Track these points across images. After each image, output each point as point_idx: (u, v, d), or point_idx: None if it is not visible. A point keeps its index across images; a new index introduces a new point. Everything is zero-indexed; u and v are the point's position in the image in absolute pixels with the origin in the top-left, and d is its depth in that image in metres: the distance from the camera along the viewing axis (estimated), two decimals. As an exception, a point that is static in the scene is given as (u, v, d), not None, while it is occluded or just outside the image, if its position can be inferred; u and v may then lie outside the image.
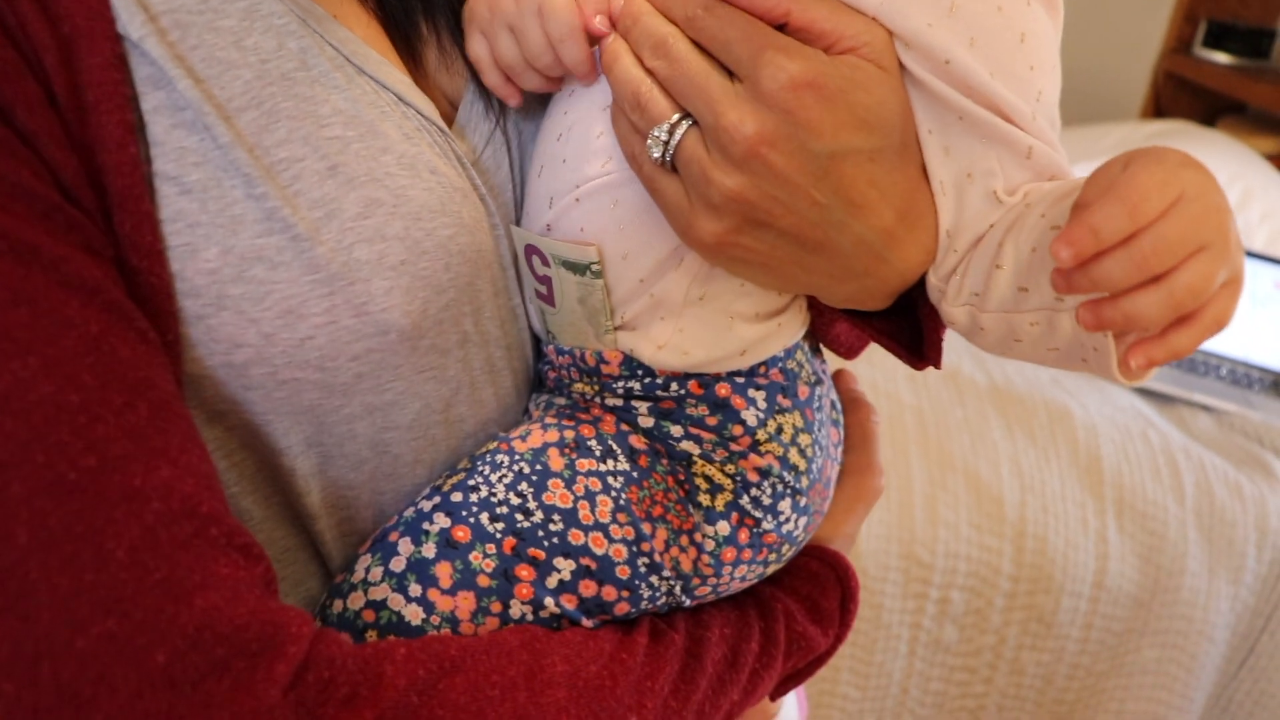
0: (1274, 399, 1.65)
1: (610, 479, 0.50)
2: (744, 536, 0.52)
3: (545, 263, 0.51)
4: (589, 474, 0.50)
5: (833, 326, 0.58)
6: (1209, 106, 2.39)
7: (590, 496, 0.49)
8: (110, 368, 0.38)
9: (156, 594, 0.35)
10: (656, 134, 0.45)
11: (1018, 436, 1.46)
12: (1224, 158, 1.92)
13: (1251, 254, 1.71)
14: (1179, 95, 2.38)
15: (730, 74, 0.44)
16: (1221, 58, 2.29)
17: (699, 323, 0.51)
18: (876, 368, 1.53)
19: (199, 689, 0.35)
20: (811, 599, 0.56)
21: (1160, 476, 1.44)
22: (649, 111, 0.46)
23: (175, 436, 0.39)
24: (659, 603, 0.51)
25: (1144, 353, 0.40)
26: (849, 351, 0.62)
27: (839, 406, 0.60)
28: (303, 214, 0.43)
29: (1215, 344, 1.66)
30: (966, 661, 1.36)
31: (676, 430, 0.52)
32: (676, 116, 0.45)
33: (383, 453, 0.49)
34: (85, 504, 0.36)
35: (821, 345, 0.60)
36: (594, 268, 0.50)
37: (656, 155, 0.46)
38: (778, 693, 0.57)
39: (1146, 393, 1.64)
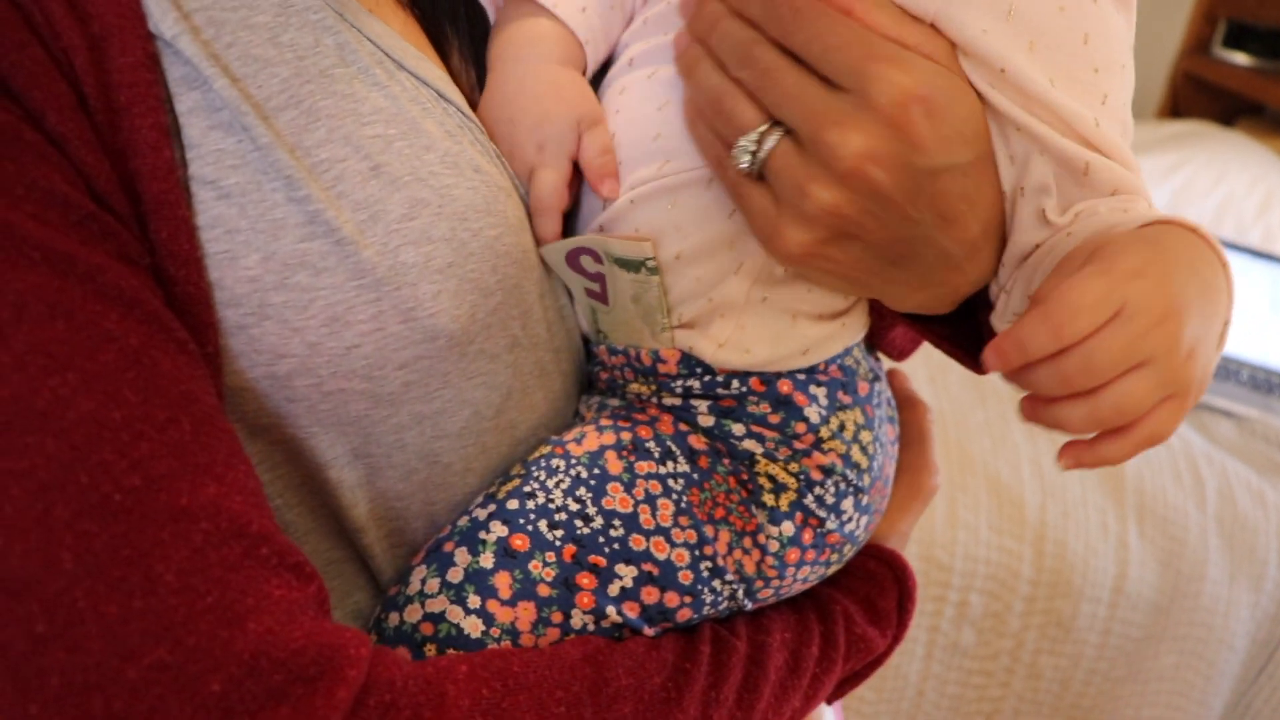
0: (1295, 404, 1.64)
1: (670, 481, 0.49)
2: (808, 537, 0.51)
3: (598, 260, 0.49)
4: (648, 476, 0.48)
5: (890, 329, 0.57)
6: (1227, 107, 2.37)
7: (651, 500, 0.48)
8: (152, 382, 0.36)
9: (209, 619, 0.34)
10: (744, 144, 0.43)
11: (1039, 439, 1.45)
12: (1244, 160, 1.91)
13: (1273, 258, 1.70)
14: (1197, 96, 2.37)
15: (823, 79, 0.42)
16: (1241, 58, 2.27)
17: (761, 321, 0.50)
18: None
19: (257, 718, 0.33)
20: (869, 599, 0.55)
21: (1182, 482, 1.43)
22: (735, 121, 0.44)
23: (220, 452, 0.37)
24: (720, 607, 0.50)
25: (1072, 455, 0.39)
26: (900, 354, 0.61)
27: (894, 404, 0.59)
28: (346, 217, 0.41)
29: (1236, 348, 1.65)
30: (983, 665, 1.35)
31: (738, 429, 0.51)
32: (765, 125, 0.43)
33: (433, 462, 0.47)
34: (131, 526, 0.34)
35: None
36: (649, 263, 0.48)
37: (745, 165, 0.43)
38: (835, 695, 0.56)
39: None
